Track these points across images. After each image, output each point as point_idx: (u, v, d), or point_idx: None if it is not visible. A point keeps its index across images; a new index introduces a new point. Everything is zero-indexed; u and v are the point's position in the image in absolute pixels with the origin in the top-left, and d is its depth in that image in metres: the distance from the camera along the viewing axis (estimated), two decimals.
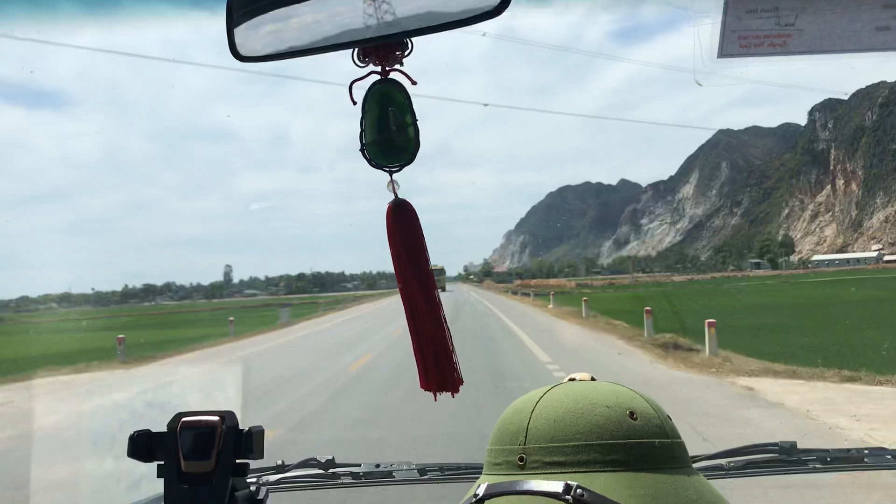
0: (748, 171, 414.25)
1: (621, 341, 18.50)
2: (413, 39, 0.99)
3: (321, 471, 1.66)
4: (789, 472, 1.59)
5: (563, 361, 14.42)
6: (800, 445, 1.59)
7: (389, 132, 1.00)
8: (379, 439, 7.85)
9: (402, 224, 1.03)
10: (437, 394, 1.06)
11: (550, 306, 36.07)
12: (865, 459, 1.58)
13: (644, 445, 0.74)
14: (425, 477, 1.64)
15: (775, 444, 1.58)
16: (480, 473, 0.80)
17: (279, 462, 1.68)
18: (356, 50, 0.99)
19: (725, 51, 1.09)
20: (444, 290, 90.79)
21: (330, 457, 1.67)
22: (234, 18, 1.03)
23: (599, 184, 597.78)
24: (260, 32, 1.03)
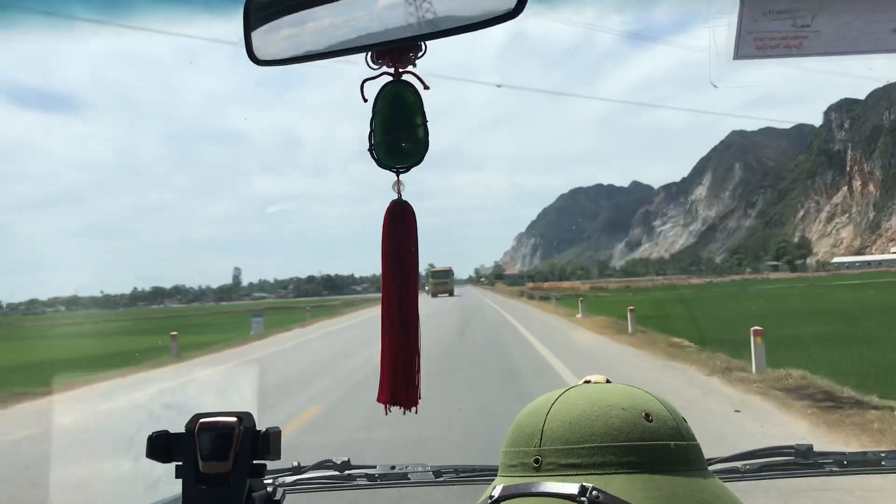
0: (762, 173, 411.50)
1: (715, 379, 11.73)
2: (426, 42, 1.00)
3: (337, 472, 1.67)
4: (806, 475, 1.58)
5: None
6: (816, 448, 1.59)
7: (398, 133, 1.01)
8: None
9: (398, 225, 1.04)
10: (389, 408, 1.05)
11: (579, 316, 29.41)
12: (883, 462, 1.57)
13: (660, 447, 0.74)
14: (440, 479, 1.65)
15: (791, 447, 1.58)
16: (496, 475, 0.81)
17: (295, 463, 1.69)
18: (369, 52, 1.00)
19: (741, 52, 1.09)
20: (451, 293, 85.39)
21: (346, 458, 1.69)
22: (251, 22, 1.04)
23: (611, 185, 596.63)
24: (277, 36, 1.04)
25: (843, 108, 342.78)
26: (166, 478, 1.14)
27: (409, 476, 1.66)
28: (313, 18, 1.01)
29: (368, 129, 1.01)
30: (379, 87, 1.01)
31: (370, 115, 1.01)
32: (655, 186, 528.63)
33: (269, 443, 1.08)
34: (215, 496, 1.05)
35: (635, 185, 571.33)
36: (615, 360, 15.34)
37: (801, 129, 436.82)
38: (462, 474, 1.65)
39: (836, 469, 1.55)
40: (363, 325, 32.97)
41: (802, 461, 1.56)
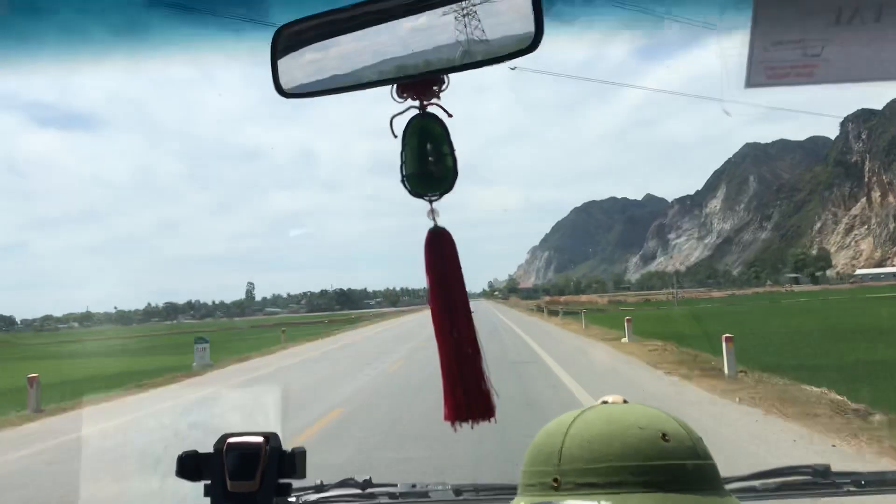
0: (777, 185, 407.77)
1: None
2: (449, 75, 1.03)
3: (359, 490, 1.68)
4: (823, 495, 1.57)
5: None
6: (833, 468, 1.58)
7: (428, 164, 1.04)
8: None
9: (439, 253, 1.06)
10: (469, 423, 1.06)
11: (625, 340, 22.53)
12: None
13: (676, 467, 0.76)
14: (461, 497, 1.66)
15: (808, 467, 1.57)
16: (515, 494, 0.82)
17: (318, 482, 1.71)
18: (395, 85, 1.04)
19: (753, 81, 1.11)
20: None
21: (367, 477, 1.70)
22: (278, 55, 1.08)
23: (625, 199, 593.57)
24: (303, 70, 1.08)
25: (860, 119, 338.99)
26: (193, 496, 1.17)
27: (429, 494, 1.67)
28: (339, 52, 1.05)
29: (400, 162, 1.04)
30: (405, 121, 1.04)
31: (396, 145, 1.04)
32: (669, 199, 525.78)
33: (294, 462, 1.10)
34: None
35: (649, 198, 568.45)
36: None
37: (816, 142, 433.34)
38: (482, 493, 1.66)
39: (854, 489, 1.54)
40: (354, 352, 27.14)
41: (820, 481, 1.55)
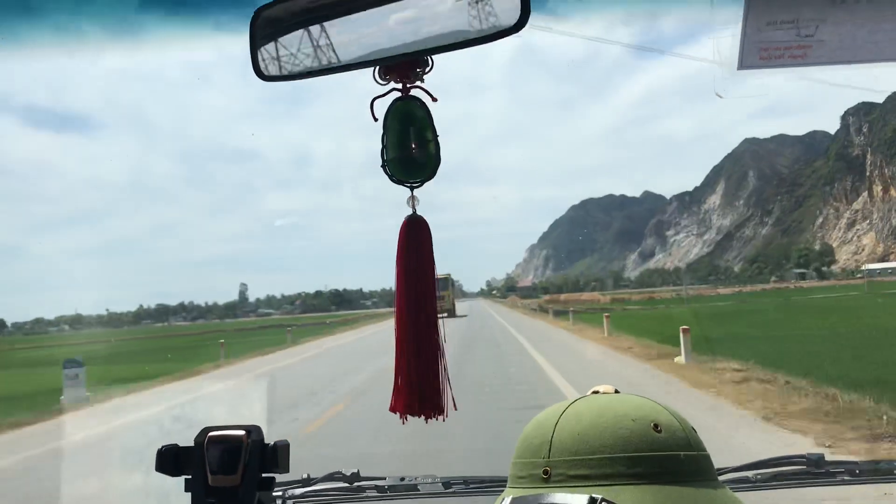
0: (777, 180, 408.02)
1: None
2: (433, 56, 1.01)
3: (346, 484, 1.67)
4: (817, 485, 1.57)
5: None
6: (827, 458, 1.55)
7: (410, 149, 1.01)
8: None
9: (413, 241, 1.04)
10: (411, 417, 1.04)
11: (680, 360, 15.07)
12: (895, 472, 1.55)
13: (669, 458, 0.74)
14: (450, 490, 1.65)
15: (802, 456, 1.56)
16: (505, 486, 0.81)
17: (305, 475, 1.69)
18: (377, 67, 1.01)
19: (745, 63, 1.09)
20: (451, 313, 53.21)
21: (355, 470, 1.69)
22: (258, 38, 1.06)
23: (623, 196, 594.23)
24: (283, 52, 1.05)
25: (861, 112, 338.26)
26: (175, 491, 1.15)
27: (418, 487, 1.66)
28: (319, 34, 1.03)
29: (380, 146, 1.02)
30: (388, 104, 1.02)
31: (381, 132, 1.02)
32: (668, 196, 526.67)
33: (277, 456, 1.08)
34: None
35: (647, 194, 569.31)
36: None
37: (815, 136, 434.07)
38: (471, 485, 1.65)
39: (848, 478, 1.54)
40: (301, 372, 20.86)
41: (814, 470, 1.55)
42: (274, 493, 1.14)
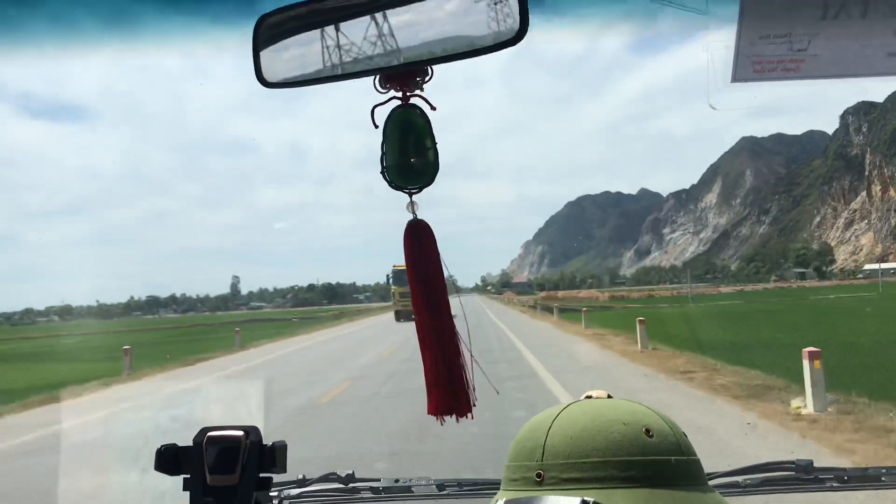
0: (774, 179, 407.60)
1: None
2: (433, 66, 1.02)
3: (341, 485, 1.68)
4: (806, 491, 1.58)
5: None
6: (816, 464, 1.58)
7: (409, 156, 1.03)
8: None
9: (418, 245, 1.06)
10: (446, 417, 1.06)
11: (806, 411, 8.72)
12: (883, 478, 1.57)
13: (660, 462, 0.76)
14: (444, 492, 1.66)
15: (792, 462, 1.58)
16: (498, 489, 0.82)
17: (300, 476, 1.70)
18: (378, 76, 1.03)
19: (739, 76, 1.11)
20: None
21: (350, 471, 1.70)
22: (260, 46, 1.07)
23: (619, 193, 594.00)
24: (285, 59, 1.06)
25: (861, 112, 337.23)
26: (173, 490, 1.16)
27: (412, 489, 1.67)
28: (321, 41, 1.04)
29: (380, 153, 1.03)
30: (388, 111, 1.03)
31: (381, 139, 1.03)
32: (664, 194, 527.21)
33: (275, 456, 1.10)
34: None
35: (644, 192, 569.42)
36: None
37: (812, 136, 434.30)
38: (465, 488, 1.66)
39: (837, 485, 1.55)
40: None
41: (803, 476, 1.56)
42: (271, 494, 1.15)
